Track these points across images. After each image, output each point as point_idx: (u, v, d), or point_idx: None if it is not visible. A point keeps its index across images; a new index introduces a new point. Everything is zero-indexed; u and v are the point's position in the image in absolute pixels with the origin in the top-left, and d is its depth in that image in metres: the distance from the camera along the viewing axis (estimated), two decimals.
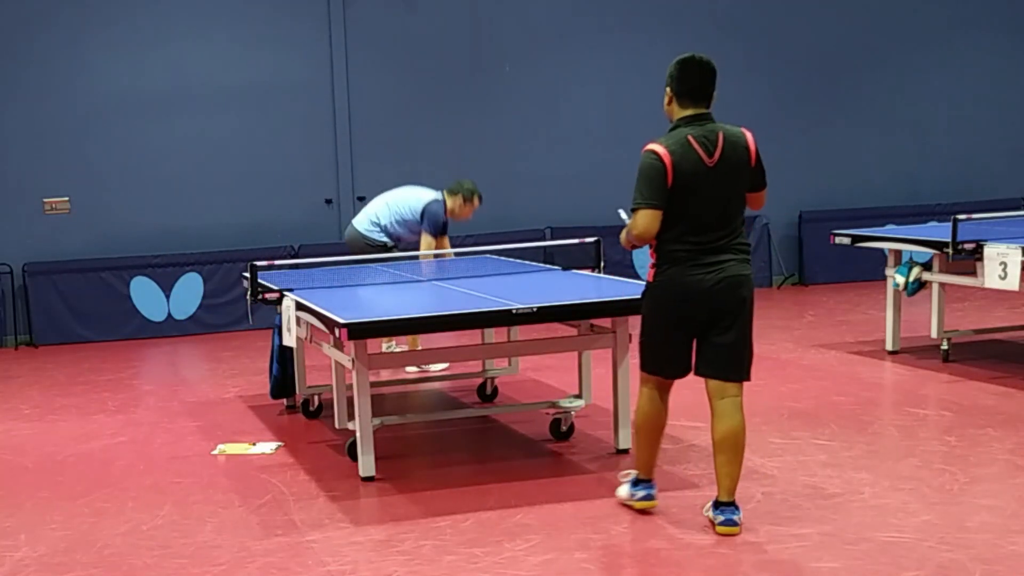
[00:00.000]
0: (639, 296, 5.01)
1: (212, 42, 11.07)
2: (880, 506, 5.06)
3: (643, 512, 5.06)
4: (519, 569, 4.53)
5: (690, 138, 4.71)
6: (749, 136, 4.80)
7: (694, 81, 4.76)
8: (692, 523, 4.92)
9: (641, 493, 5.06)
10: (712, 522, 4.85)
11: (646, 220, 4.69)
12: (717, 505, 4.85)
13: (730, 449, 4.79)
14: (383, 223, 8.40)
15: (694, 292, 4.71)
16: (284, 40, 11.23)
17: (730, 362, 4.80)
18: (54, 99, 10.71)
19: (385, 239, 8.38)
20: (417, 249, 8.37)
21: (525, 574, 4.48)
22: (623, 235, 4.87)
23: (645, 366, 4.97)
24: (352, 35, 11.33)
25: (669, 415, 5.05)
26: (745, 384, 4.83)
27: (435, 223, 8.32)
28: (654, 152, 4.70)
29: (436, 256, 8.30)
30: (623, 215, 4.97)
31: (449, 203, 8.36)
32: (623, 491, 5.17)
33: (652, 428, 5.00)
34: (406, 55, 11.52)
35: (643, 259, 10.42)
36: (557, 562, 4.58)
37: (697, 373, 4.89)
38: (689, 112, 4.77)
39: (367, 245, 8.35)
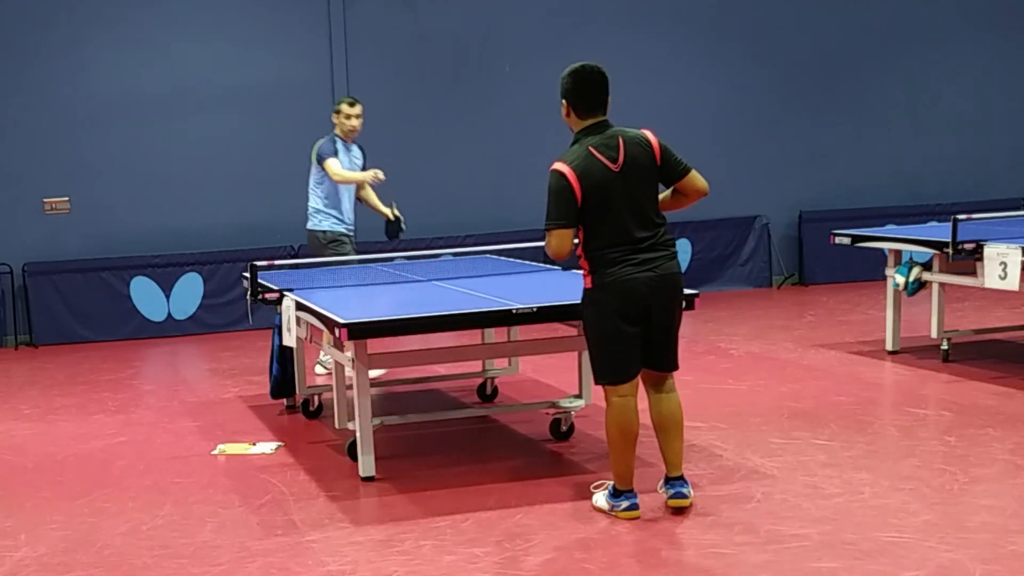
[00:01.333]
0: None
1: (212, 42, 11.06)
2: (880, 506, 5.06)
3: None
4: (519, 569, 4.53)
5: (591, 149, 4.86)
6: (650, 135, 4.96)
7: (587, 92, 4.92)
8: (692, 523, 4.93)
9: (625, 504, 5.03)
10: (665, 498, 5.03)
11: (558, 239, 4.89)
12: (668, 480, 5.03)
13: (674, 427, 5.05)
14: (318, 207, 8.29)
15: (632, 289, 4.85)
16: (284, 40, 11.23)
17: (670, 356, 5.05)
18: (54, 99, 10.71)
19: (331, 224, 8.24)
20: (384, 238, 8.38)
21: (525, 574, 4.48)
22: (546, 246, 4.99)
23: (603, 376, 5.01)
24: (352, 35, 11.33)
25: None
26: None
27: (326, 149, 8.15)
28: (558, 171, 4.88)
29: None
30: None
31: (337, 129, 8.29)
32: (600, 501, 5.14)
33: (625, 439, 5.00)
34: (406, 55, 11.52)
35: None
36: (557, 562, 4.58)
37: None
38: (588, 122, 4.93)
39: (321, 239, 8.26)
